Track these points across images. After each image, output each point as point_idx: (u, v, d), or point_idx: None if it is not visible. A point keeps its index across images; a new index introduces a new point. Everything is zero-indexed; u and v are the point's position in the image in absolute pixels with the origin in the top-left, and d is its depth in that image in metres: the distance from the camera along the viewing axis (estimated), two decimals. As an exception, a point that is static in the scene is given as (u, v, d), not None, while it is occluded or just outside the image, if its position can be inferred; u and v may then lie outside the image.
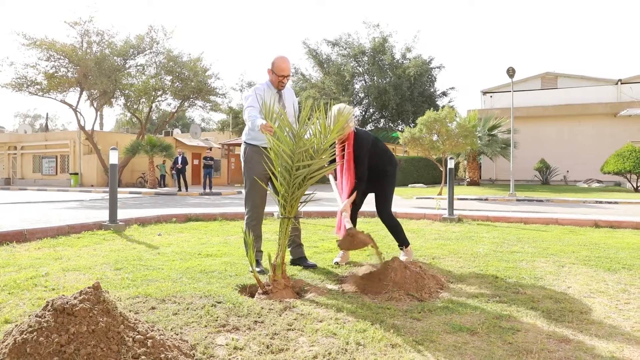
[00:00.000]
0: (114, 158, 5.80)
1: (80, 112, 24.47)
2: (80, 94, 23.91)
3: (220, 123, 38.51)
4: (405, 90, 29.49)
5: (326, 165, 2.98)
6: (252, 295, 2.90)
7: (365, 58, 31.01)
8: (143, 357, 1.65)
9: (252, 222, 3.65)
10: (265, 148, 3.59)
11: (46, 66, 21.99)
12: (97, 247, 4.45)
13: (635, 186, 17.17)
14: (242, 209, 3.76)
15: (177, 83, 24.77)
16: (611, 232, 5.77)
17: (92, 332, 1.63)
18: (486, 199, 13.73)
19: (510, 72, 15.54)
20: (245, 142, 3.72)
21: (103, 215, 6.94)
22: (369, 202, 4.09)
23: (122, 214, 6.95)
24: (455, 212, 7.22)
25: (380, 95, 29.69)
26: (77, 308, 1.66)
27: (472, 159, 22.01)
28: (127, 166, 25.76)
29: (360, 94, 32.20)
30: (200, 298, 2.68)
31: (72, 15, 47.11)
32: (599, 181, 21.56)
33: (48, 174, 28.64)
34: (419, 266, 3.26)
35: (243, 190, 3.73)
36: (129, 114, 32.12)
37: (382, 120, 33.17)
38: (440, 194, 14.57)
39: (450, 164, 7.25)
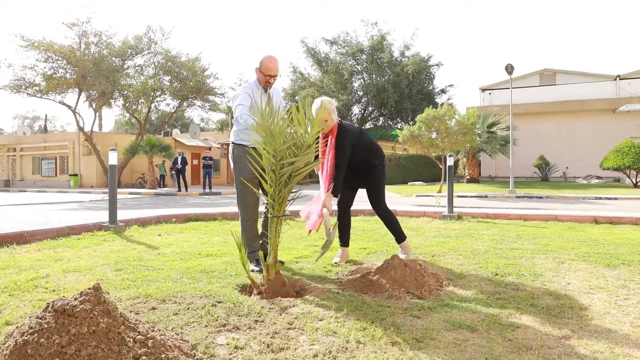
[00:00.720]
0: (113, 159, 5.80)
1: (79, 113, 24.50)
2: (79, 95, 23.90)
3: (219, 123, 38.48)
4: (404, 88, 29.45)
5: (312, 161, 2.96)
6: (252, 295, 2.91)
7: (364, 56, 30.96)
8: (144, 357, 1.66)
9: (247, 222, 3.64)
10: (254, 148, 3.60)
11: (44, 67, 21.98)
12: (97, 248, 4.46)
13: (634, 182, 17.19)
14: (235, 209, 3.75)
15: (176, 83, 24.75)
16: (611, 228, 5.78)
17: (93, 333, 1.64)
18: (486, 196, 13.74)
19: (509, 68, 15.54)
20: (233, 143, 3.70)
21: (103, 216, 6.94)
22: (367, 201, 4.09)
23: (122, 214, 6.95)
24: (454, 209, 7.22)
25: (379, 93, 29.66)
26: (77, 309, 1.66)
27: (472, 156, 22.01)
28: (127, 167, 25.76)
29: (359, 92, 32.16)
30: (201, 298, 2.68)
31: (69, 17, 46.81)
32: (598, 177, 21.57)
33: (47, 175, 28.63)
34: (419, 264, 3.27)
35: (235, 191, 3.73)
36: (127, 115, 32.11)
37: (381, 118, 33.12)
38: (439, 191, 14.58)
39: (450, 161, 7.25)
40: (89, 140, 24.61)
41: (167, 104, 27.66)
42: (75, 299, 1.71)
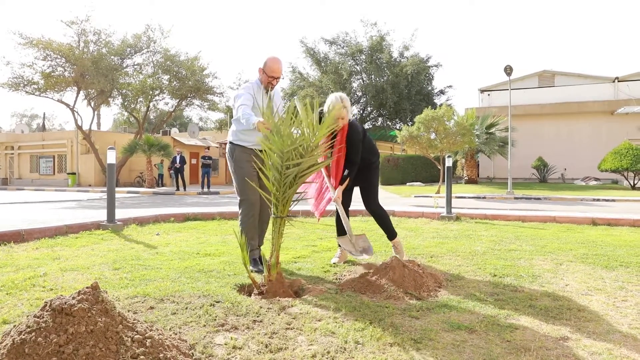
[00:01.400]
0: (111, 158, 5.79)
1: (77, 112, 24.47)
2: (78, 93, 23.86)
3: (218, 122, 38.43)
4: (403, 88, 29.48)
5: (317, 163, 2.97)
6: (251, 295, 2.91)
7: (363, 56, 30.97)
8: (142, 356, 1.65)
9: (249, 219, 3.60)
10: (252, 149, 3.61)
11: (43, 66, 21.95)
12: (95, 247, 4.45)
13: (632, 184, 17.23)
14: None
15: (175, 82, 24.73)
16: (608, 229, 5.79)
17: (91, 332, 1.63)
18: (484, 197, 13.76)
19: (508, 70, 15.56)
20: (232, 143, 3.67)
21: (101, 215, 6.93)
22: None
23: (120, 213, 6.93)
24: (453, 210, 7.22)
25: (377, 94, 29.68)
26: (75, 308, 1.65)
27: (470, 157, 22.04)
28: (125, 166, 25.72)
29: (357, 93, 32.17)
30: (199, 297, 2.68)
31: (68, 15, 46.96)
32: (596, 179, 21.62)
33: (45, 173, 28.57)
34: (417, 265, 3.27)
35: (235, 191, 3.70)
36: (126, 114, 32.09)
37: (380, 118, 33.13)
38: (438, 192, 14.59)
39: (448, 162, 7.26)
40: (88, 138, 24.56)
41: (165, 103, 27.67)
42: (73, 298, 1.71)
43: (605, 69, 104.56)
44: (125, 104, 26.02)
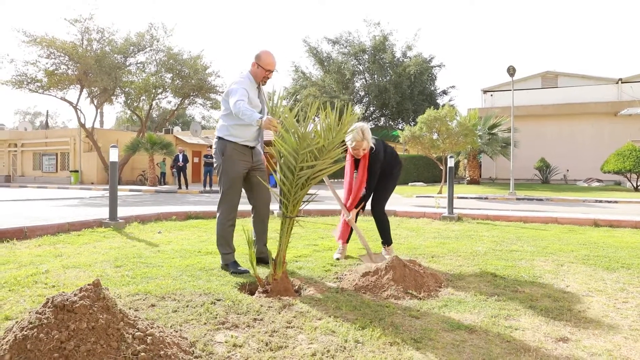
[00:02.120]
0: (114, 156, 5.80)
1: (80, 110, 24.50)
2: (81, 91, 23.91)
3: (221, 121, 38.34)
4: (406, 88, 29.45)
5: (330, 166, 2.97)
6: (252, 293, 2.91)
7: (366, 56, 30.95)
8: (142, 353, 1.66)
9: (228, 222, 3.51)
10: (245, 146, 3.53)
11: (46, 63, 21.98)
12: (97, 245, 4.46)
13: (635, 185, 17.17)
14: (241, 207, 3.73)
15: (178, 81, 24.75)
16: (610, 231, 5.78)
17: (92, 328, 1.64)
18: (486, 198, 13.74)
19: (511, 70, 15.53)
20: (222, 139, 3.50)
21: (103, 213, 6.95)
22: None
23: (122, 211, 6.96)
24: (455, 210, 7.22)
25: (380, 94, 29.66)
26: (77, 305, 1.66)
27: (472, 158, 22.00)
28: (128, 164, 25.77)
29: (360, 92, 32.17)
30: (200, 295, 2.69)
31: (72, 13, 47.15)
32: (599, 180, 21.55)
33: (48, 171, 28.64)
34: (418, 264, 3.27)
35: (219, 190, 3.58)
36: (129, 112, 32.12)
37: (383, 118, 33.12)
38: (440, 192, 14.57)
39: (451, 162, 7.25)
40: (90, 136, 24.61)
41: (168, 101, 27.70)
42: (75, 295, 1.72)
43: (609, 70, 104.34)
44: (128, 102, 26.05)
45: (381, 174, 3.98)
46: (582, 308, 2.61)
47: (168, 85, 24.89)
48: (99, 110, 26.66)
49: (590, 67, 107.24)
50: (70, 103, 24.28)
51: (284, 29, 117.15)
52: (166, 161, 24.87)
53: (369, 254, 3.70)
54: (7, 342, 1.60)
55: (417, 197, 14.33)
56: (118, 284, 2.94)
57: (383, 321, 2.33)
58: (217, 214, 3.57)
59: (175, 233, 5.37)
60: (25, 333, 1.60)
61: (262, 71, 3.49)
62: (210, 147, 20.66)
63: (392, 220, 6.83)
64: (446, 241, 4.89)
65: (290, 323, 2.28)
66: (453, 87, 40.58)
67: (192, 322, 2.26)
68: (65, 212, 8.31)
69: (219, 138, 3.54)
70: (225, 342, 2.03)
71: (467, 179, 22.42)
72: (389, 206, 4.18)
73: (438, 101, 31.52)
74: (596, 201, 12.25)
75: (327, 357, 1.91)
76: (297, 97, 30.92)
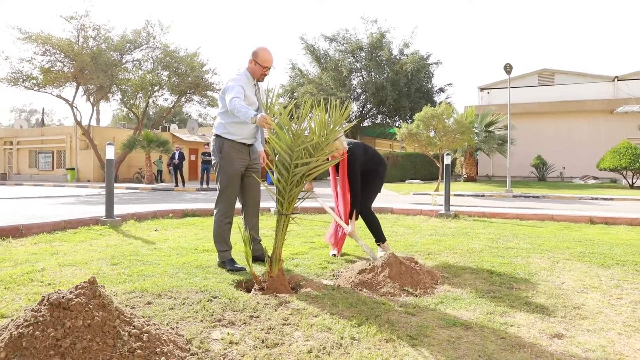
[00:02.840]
0: (110, 153, 5.79)
1: (76, 107, 24.38)
2: (77, 89, 23.80)
3: (218, 118, 38.26)
4: (403, 86, 29.43)
5: (326, 162, 2.97)
6: (248, 291, 2.92)
7: (363, 54, 30.90)
8: (139, 351, 1.66)
9: (225, 219, 3.51)
10: (243, 144, 3.52)
11: (42, 61, 21.87)
12: (93, 243, 4.45)
13: (630, 183, 17.25)
14: (237, 205, 3.73)
15: (174, 78, 24.68)
16: (606, 228, 5.81)
17: (88, 326, 1.64)
18: (482, 195, 13.78)
19: (508, 68, 15.55)
20: (220, 136, 3.49)
21: (99, 211, 6.93)
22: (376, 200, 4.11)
23: (118, 209, 6.94)
24: (451, 208, 7.24)
25: (377, 91, 29.64)
26: (72, 302, 1.66)
27: (469, 155, 22.04)
28: (124, 161, 25.71)
29: (357, 90, 32.12)
30: (197, 293, 2.69)
31: (68, 10, 46.81)
32: (594, 178, 21.64)
33: (44, 169, 28.54)
34: (415, 262, 3.28)
35: (217, 187, 3.58)
36: (125, 109, 32.02)
37: (380, 116, 33.08)
38: (436, 190, 14.60)
39: (447, 160, 7.27)
40: (87, 134, 24.53)
41: (165, 99, 27.63)
42: (71, 293, 1.72)
43: (605, 67, 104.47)
44: (125, 99, 25.95)
45: (366, 173, 3.95)
46: (577, 304, 2.62)
47: (165, 83, 24.81)
48: (95, 108, 26.56)
49: (586, 65, 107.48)
50: (67, 101, 24.18)
51: (281, 26, 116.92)
52: (162, 159, 24.83)
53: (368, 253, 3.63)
54: (2, 339, 1.60)
55: (413, 194, 14.35)
56: (114, 281, 2.94)
57: (379, 318, 2.33)
58: (215, 212, 3.58)
59: (171, 231, 5.36)
60: (21, 331, 1.60)
61: (259, 68, 3.47)
62: (208, 144, 20.62)
63: (388, 217, 6.84)
64: (442, 238, 4.90)
65: (286, 320, 2.29)
66: (450, 84, 40.62)
67: (189, 319, 2.26)
68: (62, 210, 8.29)
69: (217, 136, 3.53)
70: (222, 339, 2.03)
71: (464, 176, 22.47)
72: (385, 204, 4.17)
73: (435, 99, 31.51)
74: (592, 198, 12.30)
75: (323, 353, 1.91)
76: (294, 94, 30.86)
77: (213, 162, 3.60)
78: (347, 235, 3.91)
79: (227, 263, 3.43)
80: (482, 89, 27.40)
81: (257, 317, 2.33)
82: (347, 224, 3.87)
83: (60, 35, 22.14)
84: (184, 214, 6.89)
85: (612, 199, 12.03)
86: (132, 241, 4.57)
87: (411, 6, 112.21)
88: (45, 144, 28.63)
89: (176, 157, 19.44)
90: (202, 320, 2.24)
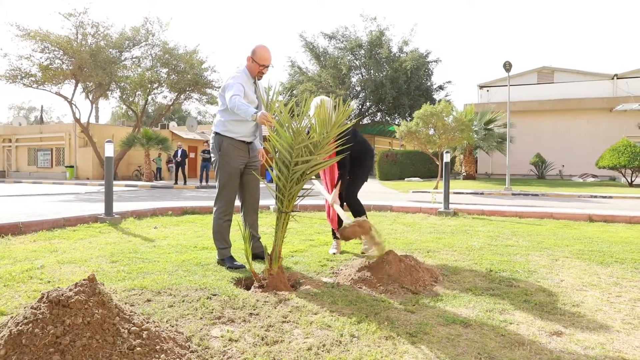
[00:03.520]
0: (109, 151, 5.78)
1: (75, 105, 24.31)
2: (76, 86, 23.73)
3: (217, 116, 38.22)
4: (402, 83, 29.42)
5: (325, 160, 2.97)
6: (248, 288, 2.92)
7: (362, 51, 30.88)
8: (138, 348, 1.66)
9: (224, 217, 3.51)
10: (242, 141, 3.51)
11: (40, 58, 21.79)
12: (92, 240, 4.45)
13: (629, 181, 17.27)
14: (237, 202, 3.73)
15: (173, 76, 24.62)
16: (605, 226, 5.82)
17: (88, 323, 1.64)
18: (482, 193, 13.78)
19: (507, 66, 15.54)
20: (219, 134, 3.49)
21: (99, 208, 6.92)
22: (372, 198, 4.11)
23: (118, 206, 6.93)
24: (450, 206, 7.25)
25: (377, 89, 29.62)
26: (72, 300, 1.66)
27: (468, 153, 22.05)
28: (123, 159, 25.65)
29: (357, 88, 32.10)
30: (196, 290, 2.69)
31: (66, 7, 46.72)
32: (594, 176, 21.66)
33: (43, 166, 28.50)
34: (414, 259, 3.28)
35: (216, 185, 3.58)
36: (124, 107, 31.92)
37: (379, 113, 33.09)
38: (436, 187, 14.61)
39: (447, 157, 7.27)
40: (86, 131, 24.48)
41: (164, 96, 27.54)
42: (70, 290, 1.71)
43: (605, 66, 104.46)
44: (124, 97, 25.90)
45: (354, 162, 3.96)
46: (576, 302, 2.63)
47: (164, 80, 24.76)
48: (94, 105, 26.57)
49: (586, 63, 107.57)
50: (65, 98, 24.11)
51: (280, 23, 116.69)
52: (161, 156, 24.81)
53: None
54: (2, 337, 1.60)
55: (413, 192, 14.35)
56: (114, 279, 2.94)
57: (379, 315, 2.34)
58: (214, 209, 3.57)
59: (171, 228, 5.36)
60: (21, 328, 1.60)
61: (256, 66, 3.46)
62: (207, 142, 20.61)
63: (388, 215, 6.85)
64: (442, 236, 4.91)
65: (286, 318, 2.29)
66: (449, 82, 40.49)
67: (188, 317, 2.26)
68: (61, 207, 8.28)
69: (216, 133, 3.53)
70: (221, 336, 2.04)
71: (463, 174, 22.48)
72: (384, 202, 4.17)
73: (434, 96, 31.49)
74: (591, 196, 12.32)
75: (322, 351, 1.92)
76: (294, 92, 30.82)
77: (212, 159, 3.60)
78: (331, 206, 3.92)
79: (226, 260, 3.43)
80: (481, 87, 27.40)
81: (257, 314, 2.33)
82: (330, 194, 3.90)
83: (58, 32, 22.13)
84: (184, 211, 6.89)
85: (611, 197, 12.04)
86: (131, 239, 4.57)
87: (410, 4, 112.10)
88: (44, 142, 28.57)
89: (178, 155, 19.46)
90: (201, 318, 2.25)
